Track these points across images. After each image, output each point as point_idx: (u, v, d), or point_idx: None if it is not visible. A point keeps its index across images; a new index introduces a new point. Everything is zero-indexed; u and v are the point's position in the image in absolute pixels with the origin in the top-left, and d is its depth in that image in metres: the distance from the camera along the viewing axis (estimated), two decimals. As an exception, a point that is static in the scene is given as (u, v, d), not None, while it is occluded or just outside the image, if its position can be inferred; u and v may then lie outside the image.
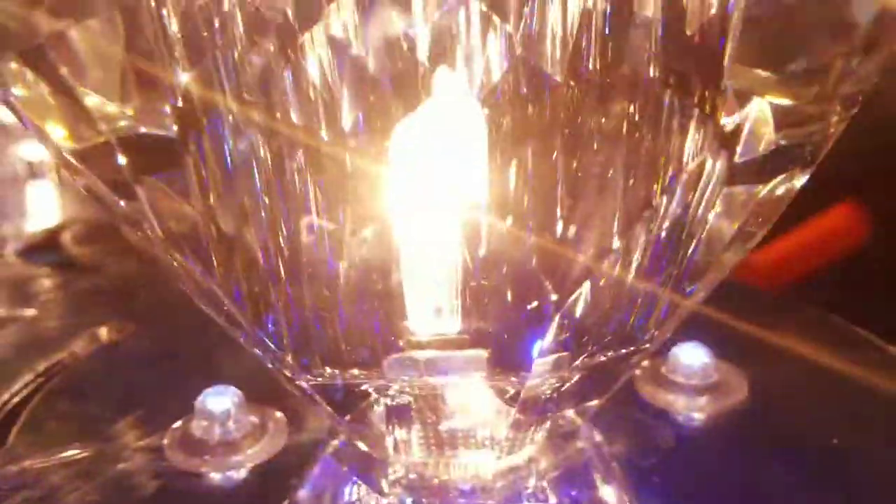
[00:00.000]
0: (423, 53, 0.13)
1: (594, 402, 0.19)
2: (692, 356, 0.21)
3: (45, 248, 0.36)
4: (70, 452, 0.19)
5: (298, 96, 0.14)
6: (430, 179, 0.16)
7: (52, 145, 0.15)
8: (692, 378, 0.21)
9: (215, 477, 0.19)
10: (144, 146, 0.15)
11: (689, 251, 0.16)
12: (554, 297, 0.16)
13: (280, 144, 0.15)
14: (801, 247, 0.39)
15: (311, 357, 0.17)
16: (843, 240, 0.39)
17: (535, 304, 0.16)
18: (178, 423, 0.20)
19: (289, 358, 0.17)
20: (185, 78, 0.14)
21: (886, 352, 0.23)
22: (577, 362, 0.17)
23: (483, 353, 0.17)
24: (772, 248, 0.40)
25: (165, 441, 0.20)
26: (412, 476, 0.19)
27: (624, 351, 0.18)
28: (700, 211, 0.16)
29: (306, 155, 0.15)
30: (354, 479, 0.19)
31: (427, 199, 0.16)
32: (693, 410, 0.21)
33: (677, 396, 0.21)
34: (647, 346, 0.18)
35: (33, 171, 0.47)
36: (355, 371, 0.17)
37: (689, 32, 0.14)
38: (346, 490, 0.19)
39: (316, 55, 0.13)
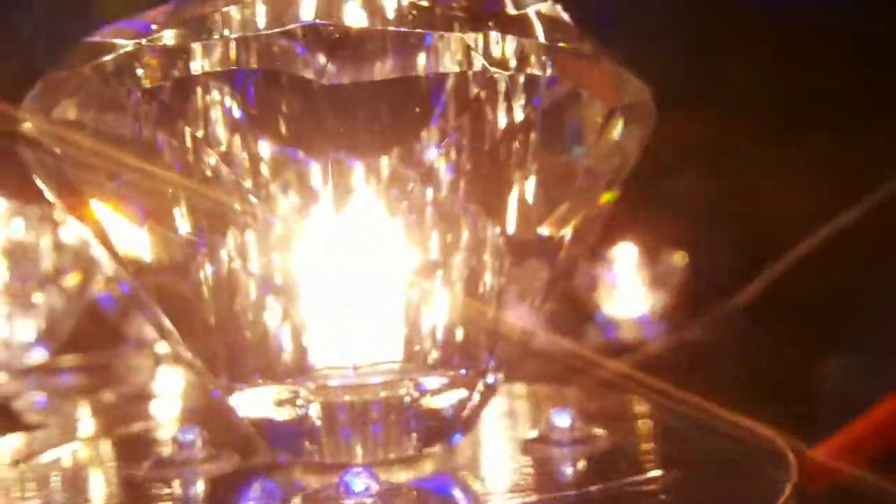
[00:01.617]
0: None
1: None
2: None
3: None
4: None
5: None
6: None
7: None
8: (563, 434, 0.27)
9: (177, 482, 0.27)
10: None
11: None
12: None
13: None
14: (857, 440, 0.43)
15: (244, 376, 0.26)
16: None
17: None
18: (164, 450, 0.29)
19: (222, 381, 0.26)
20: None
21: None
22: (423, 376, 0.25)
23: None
24: (828, 444, 0.43)
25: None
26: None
27: (463, 372, 0.25)
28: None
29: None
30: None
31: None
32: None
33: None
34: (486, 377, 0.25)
35: (158, 360, 0.64)
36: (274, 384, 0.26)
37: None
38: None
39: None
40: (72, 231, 0.56)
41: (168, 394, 0.53)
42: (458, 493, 0.24)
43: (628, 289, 0.82)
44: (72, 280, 0.57)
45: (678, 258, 0.81)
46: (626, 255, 0.82)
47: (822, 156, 0.71)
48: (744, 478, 0.23)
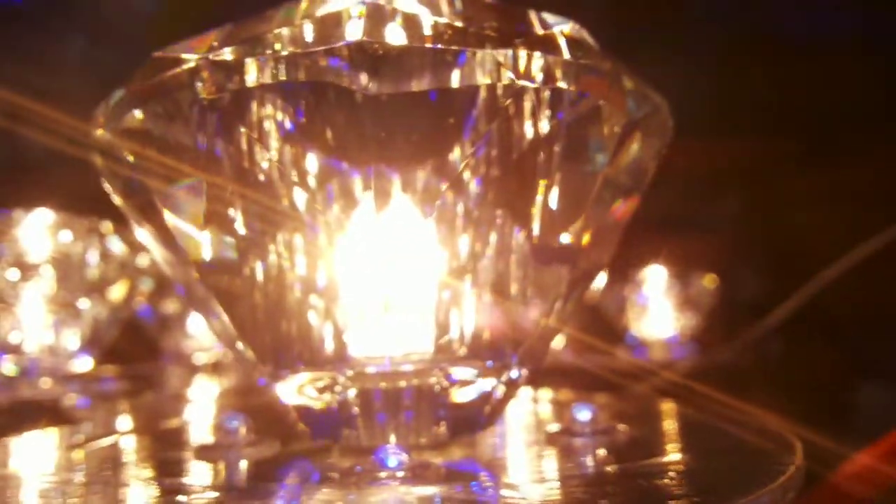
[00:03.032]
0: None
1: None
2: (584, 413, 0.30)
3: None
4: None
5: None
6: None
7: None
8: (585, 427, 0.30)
9: (221, 463, 0.29)
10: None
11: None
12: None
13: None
14: (880, 460, 0.44)
15: (288, 364, 0.29)
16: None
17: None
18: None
19: (268, 367, 0.29)
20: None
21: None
22: (453, 367, 0.27)
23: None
24: (853, 462, 0.45)
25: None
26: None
27: (490, 364, 0.28)
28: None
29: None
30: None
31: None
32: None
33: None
34: (511, 371, 0.28)
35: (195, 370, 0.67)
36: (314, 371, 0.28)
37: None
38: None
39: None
40: (117, 243, 0.60)
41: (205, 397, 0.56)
42: (483, 474, 0.26)
43: (658, 310, 0.83)
44: (116, 290, 0.61)
45: (708, 280, 0.83)
46: (656, 278, 0.84)
47: (852, 179, 0.73)
48: (751, 461, 0.25)
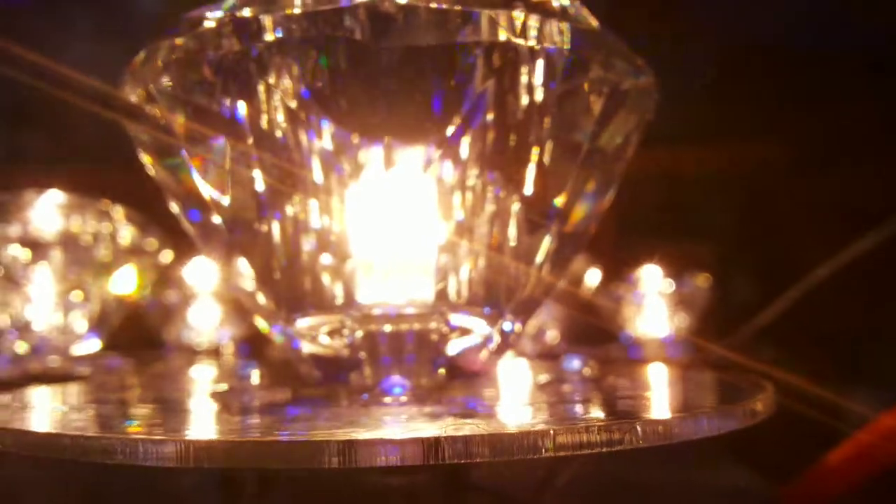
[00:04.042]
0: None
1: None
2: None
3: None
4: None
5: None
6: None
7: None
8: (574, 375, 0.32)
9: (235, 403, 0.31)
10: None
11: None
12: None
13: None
14: (858, 453, 0.46)
15: (301, 311, 0.31)
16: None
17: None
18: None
19: (283, 313, 0.31)
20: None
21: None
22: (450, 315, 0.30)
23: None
24: (831, 457, 0.46)
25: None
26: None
27: (488, 311, 0.30)
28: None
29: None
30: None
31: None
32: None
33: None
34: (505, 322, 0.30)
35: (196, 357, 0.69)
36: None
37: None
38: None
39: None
40: (127, 227, 0.62)
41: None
42: (478, 405, 0.28)
43: (654, 310, 0.85)
44: (125, 273, 0.63)
45: (702, 280, 0.85)
46: (651, 277, 0.86)
47: (844, 183, 0.75)
48: (722, 395, 0.28)
